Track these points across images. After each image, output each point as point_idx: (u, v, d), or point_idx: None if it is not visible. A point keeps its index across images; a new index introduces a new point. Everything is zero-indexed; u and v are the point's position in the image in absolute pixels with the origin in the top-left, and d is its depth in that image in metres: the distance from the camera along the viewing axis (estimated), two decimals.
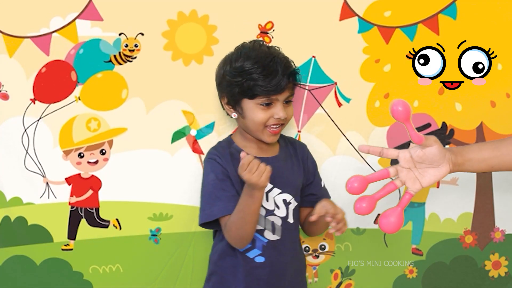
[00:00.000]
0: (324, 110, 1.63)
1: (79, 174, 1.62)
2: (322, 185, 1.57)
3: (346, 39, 1.61)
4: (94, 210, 1.62)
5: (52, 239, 1.64)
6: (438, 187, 1.67)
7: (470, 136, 1.65)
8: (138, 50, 1.59)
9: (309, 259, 1.68)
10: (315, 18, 1.60)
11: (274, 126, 1.43)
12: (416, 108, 1.63)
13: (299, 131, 1.64)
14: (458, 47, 1.63)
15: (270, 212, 1.45)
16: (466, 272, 1.70)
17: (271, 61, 1.39)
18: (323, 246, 1.68)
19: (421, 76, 1.63)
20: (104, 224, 1.63)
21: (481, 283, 1.71)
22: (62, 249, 1.63)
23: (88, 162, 1.62)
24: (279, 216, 1.46)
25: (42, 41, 1.59)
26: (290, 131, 1.63)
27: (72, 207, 1.63)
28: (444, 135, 1.65)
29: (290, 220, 1.48)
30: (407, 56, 1.63)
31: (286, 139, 1.56)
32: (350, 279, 1.69)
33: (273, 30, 1.60)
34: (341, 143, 1.64)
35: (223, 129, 1.62)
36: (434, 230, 1.68)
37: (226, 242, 1.43)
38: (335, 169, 1.64)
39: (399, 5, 1.61)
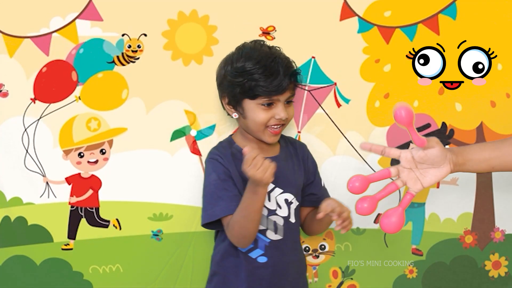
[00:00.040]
0: (323, 110, 1.63)
1: (79, 173, 1.62)
2: (322, 185, 1.57)
3: (346, 39, 1.61)
4: (94, 210, 1.62)
5: (52, 239, 1.64)
6: (438, 187, 1.67)
7: (470, 136, 1.66)
8: (141, 51, 1.60)
9: (309, 259, 1.68)
10: (315, 18, 1.61)
11: (275, 127, 1.43)
12: (416, 108, 1.63)
13: (299, 132, 1.64)
14: (458, 47, 1.63)
15: (272, 212, 1.45)
16: (466, 272, 1.70)
17: (273, 61, 1.39)
18: (323, 246, 1.68)
19: (421, 76, 1.63)
20: (104, 224, 1.63)
21: (481, 283, 1.71)
22: (62, 249, 1.63)
23: (88, 162, 1.62)
24: (281, 216, 1.46)
25: (42, 41, 1.59)
26: (290, 132, 1.63)
27: (72, 207, 1.63)
28: (444, 135, 1.65)
29: (292, 219, 1.48)
30: (407, 56, 1.63)
31: (286, 139, 1.56)
32: (351, 278, 1.69)
33: (275, 31, 1.60)
34: (341, 143, 1.64)
35: (223, 129, 1.63)
36: (434, 230, 1.68)
37: (228, 243, 1.43)
38: (335, 169, 1.64)
39: (399, 5, 1.61)
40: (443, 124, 1.65)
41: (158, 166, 1.62)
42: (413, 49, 1.62)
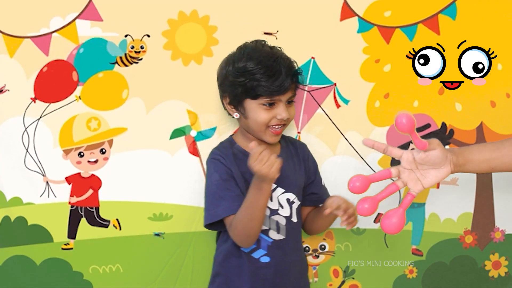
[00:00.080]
0: (323, 111, 1.63)
1: (79, 173, 1.62)
2: (323, 184, 1.57)
3: (346, 39, 1.61)
4: (94, 209, 1.62)
5: (52, 239, 1.64)
6: (438, 187, 1.67)
7: (470, 136, 1.66)
8: (144, 51, 1.60)
9: (309, 259, 1.68)
10: (316, 19, 1.61)
11: (276, 127, 1.43)
12: (416, 108, 1.63)
13: (298, 133, 1.64)
14: (458, 47, 1.63)
15: (274, 212, 1.45)
16: (466, 272, 1.70)
17: (274, 61, 1.39)
18: (323, 246, 1.68)
19: (421, 76, 1.63)
20: (104, 223, 1.63)
21: (481, 283, 1.71)
22: (62, 248, 1.63)
23: (88, 162, 1.62)
24: (283, 216, 1.46)
25: (42, 41, 1.59)
26: (290, 132, 1.63)
27: (72, 207, 1.63)
28: (444, 135, 1.65)
29: (294, 219, 1.48)
30: (407, 56, 1.63)
31: (287, 139, 1.56)
32: (353, 278, 1.69)
33: (277, 31, 1.60)
34: (341, 143, 1.64)
35: (223, 129, 1.63)
36: (434, 230, 1.68)
37: (231, 243, 1.44)
38: (335, 169, 1.64)
39: (399, 5, 1.61)
40: (443, 124, 1.65)
41: (158, 166, 1.62)
42: (413, 49, 1.62)
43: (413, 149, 1.28)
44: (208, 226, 1.44)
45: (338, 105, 1.63)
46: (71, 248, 1.64)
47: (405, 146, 1.62)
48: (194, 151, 1.62)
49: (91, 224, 1.63)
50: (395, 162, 1.29)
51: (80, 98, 1.60)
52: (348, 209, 1.38)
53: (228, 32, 1.59)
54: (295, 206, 1.48)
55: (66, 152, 1.61)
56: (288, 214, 1.46)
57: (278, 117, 1.41)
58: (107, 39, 1.59)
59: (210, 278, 1.52)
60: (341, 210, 1.38)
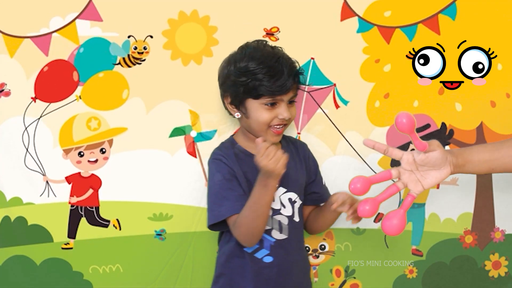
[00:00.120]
0: (323, 111, 1.63)
1: (79, 173, 1.62)
2: (323, 183, 1.57)
3: (346, 39, 1.61)
4: (94, 209, 1.62)
5: (52, 239, 1.64)
6: (438, 187, 1.67)
7: (470, 136, 1.66)
8: (147, 52, 1.60)
9: (309, 259, 1.68)
10: (315, 19, 1.61)
11: (278, 126, 1.43)
12: (416, 108, 1.63)
13: (298, 133, 1.64)
14: (458, 47, 1.63)
15: (276, 212, 1.45)
16: (466, 272, 1.70)
17: (276, 61, 1.39)
18: (323, 246, 1.68)
19: (421, 76, 1.63)
20: (104, 223, 1.63)
21: (481, 283, 1.71)
22: (62, 248, 1.63)
23: (88, 161, 1.62)
24: (285, 215, 1.46)
25: (42, 41, 1.59)
26: (290, 133, 1.63)
27: (72, 206, 1.63)
28: (444, 135, 1.65)
29: (296, 218, 1.48)
30: (407, 56, 1.63)
31: (287, 138, 1.56)
32: (354, 277, 1.69)
33: (279, 32, 1.60)
34: (341, 143, 1.64)
35: (223, 129, 1.63)
36: (434, 230, 1.68)
37: (233, 244, 1.44)
38: (335, 169, 1.64)
39: (399, 5, 1.61)
40: (443, 124, 1.65)
41: (158, 166, 1.62)
42: (413, 49, 1.62)
43: (413, 149, 1.28)
44: (211, 226, 1.44)
45: (337, 106, 1.63)
46: (71, 248, 1.64)
47: (405, 146, 1.62)
48: (192, 152, 1.62)
49: (91, 224, 1.63)
50: (395, 163, 1.29)
51: (80, 98, 1.60)
52: (353, 204, 1.39)
53: (228, 32, 1.59)
54: (297, 205, 1.48)
55: (66, 151, 1.62)
56: (290, 213, 1.47)
57: (280, 117, 1.41)
58: (107, 39, 1.59)
59: (213, 279, 1.52)
60: (346, 205, 1.38)
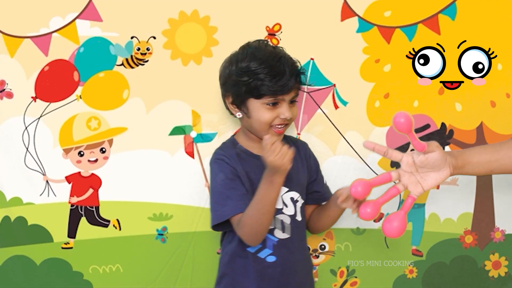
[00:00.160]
0: (323, 111, 1.63)
1: (79, 172, 1.62)
2: (324, 182, 1.58)
3: (346, 39, 1.61)
4: (94, 209, 1.62)
5: (52, 239, 1.64)
6: (438, 188, 1.67)
7: (470, 136, 1.65)
8: (150, 53, 1.60)
9: None
10: (316, 19, 1.61)
11: (279, 126, 1.43)
12: (416, 108, 1.63)
13: (298, 134, 1.64)
14: (458, 47, 1.63)
15: (279, 211, 1.45)
16: (466, 272, 1.70)
17: (278, 61, 1.39)
18: (323, 246, 1.68)
19: (421, 76, 1.63)
20: (104, 223, 1.63)
21: (481, 283, 1.71)
22: (62, 248, 1.63)
23: (88, 161, 1.62)
24: (287, 215, 1.46)
25: (42, 41, 1.59)
26: (290, 133, 1.62)
27: (72, 206, 1.63)
28: (444, 135, 1.65)
29: (298, 218, 1.48)
30: (407, 56, 1.63)
31: (288, 138, 1.56)
32: (355, 277, 1.69)
33: (281, 32, 1.60)
34: (341, 143, 1.64)
35: (223, 129, 1.63)
36: (434, 230, 1.68)
37: (236, 244, 1.44)
38: (335, 169, 1.64)
39: (399, 5, 1.61)
40: (443, 124, 1.65)
41: (158, 166, 1.62)
42: (413, 49, 1.62)
43: (413, 150, 1.29)
44: (215, 227, 1.43)
45: (336, 107, 1.63)
46: (71, 247, 1.64)
47: (405, 147, 1.62)
48: (191, 152, 1.62)
49: (91, 224, 1.63)
50: (395, 163, 1.29)
51: (80, 98, 1.60)
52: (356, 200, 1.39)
53: (228, 33, 1.59)
54: (299, 204, 1.48)
55: (66, 151, 1.62)
56: (292, 212, 1.47)
57: (282, 116, 1.41)
58: (107, 39, 1.59)
59: (216, 279, 1.51)
60: (350, 200, 1.38)
